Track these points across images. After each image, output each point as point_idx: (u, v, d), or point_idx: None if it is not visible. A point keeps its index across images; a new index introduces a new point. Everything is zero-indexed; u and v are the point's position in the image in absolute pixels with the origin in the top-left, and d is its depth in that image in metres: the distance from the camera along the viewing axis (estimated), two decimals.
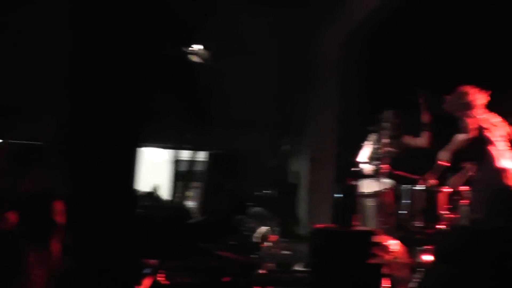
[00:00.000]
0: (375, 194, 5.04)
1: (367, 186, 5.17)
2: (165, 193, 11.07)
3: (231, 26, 8.91)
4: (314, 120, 9.13)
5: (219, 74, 7.78)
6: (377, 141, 5.67)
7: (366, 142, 5.92)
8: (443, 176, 6.24)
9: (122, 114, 2.29)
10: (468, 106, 4.70)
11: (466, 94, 4.78)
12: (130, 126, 2.32)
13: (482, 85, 4.86)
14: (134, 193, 2.57)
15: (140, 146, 2.86)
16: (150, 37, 2.43)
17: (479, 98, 4.76)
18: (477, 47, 7.85)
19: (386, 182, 5.29)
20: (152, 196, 10.07)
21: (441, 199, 4.94)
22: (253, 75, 10.33)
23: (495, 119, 4.74)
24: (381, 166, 5.11)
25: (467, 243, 0.83)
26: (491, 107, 4.85)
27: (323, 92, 9.13)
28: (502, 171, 4.42)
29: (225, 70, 8.67)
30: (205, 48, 4.91)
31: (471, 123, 4.55)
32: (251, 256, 6.14)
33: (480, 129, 4.54)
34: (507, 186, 4.38)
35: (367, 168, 5.55)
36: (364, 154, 5.76)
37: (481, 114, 4.68)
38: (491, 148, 4.50)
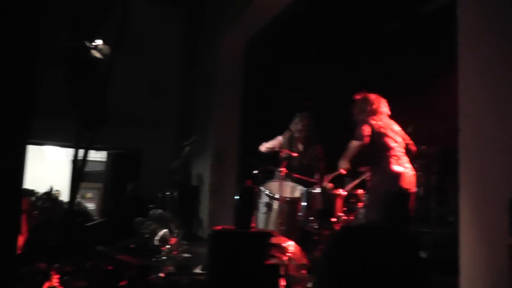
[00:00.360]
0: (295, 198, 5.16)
1: (280, 190, 5.27)
2: (63, 193, 10.61)
3: (133, 24, 8.70)
4: (217, 122, 9.16)
5: (120, 72, 7.57)
6: (278, 144, 5.79)
7: (268, 144, 6.03)
8: (340, 180, 6.52)
9: (6, 111, 2.15)
10: (370, 112, 4.84)
11: (369, 100, 4.94)
12: (16, 123, 2.17)
13: (381, 93, 5.08)
14: (20, 194, 2.41)
15: (30, 144, 2.70)
16: (37, 31, 2.30)
17: (381, 105, 4.94)
18: (378, 56, 8.38)
19: (297, 186, 5.42)
20: (49, 196, 9.59)
21: (338, 202, 5.13)
22: (155, 74, 10.22)
23: (394, 126, 4.89)
24: (281, 169, 5.21)
25: (346, 240, 0.87)
26: (391, 115, 5.07)
27: (226, 94, 9.20)
28: (397, 175, 4.54)
29: (127, 68, 8.46)
30: (105, 43, 4.75)
31: (367, 129, 4.69)
32: (151, 259, 6.02)
33: (379, 134, 4.67)
34: (402, 190, 4.52)
35: (268, 170, 5.66)
36: (266, 155, 5.86)
37: (382, 120, 4.82)
38: (388, 153, 4.61)
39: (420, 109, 7.47)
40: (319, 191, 5.04)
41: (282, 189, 5.29)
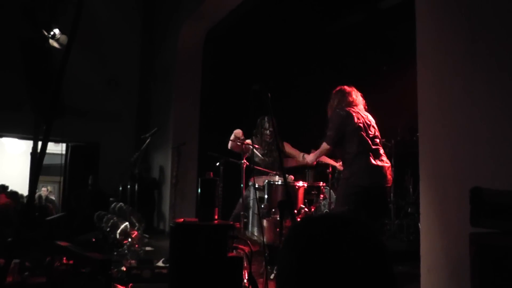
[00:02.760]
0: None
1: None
2: (22, 187, 10.36)
3: (90, 15, 8.56)
4: (177, 114, 9.14)
5: (78, 63, 7.43)
6: (240, 136, 5.78)
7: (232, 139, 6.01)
8: (303, 172, 6.59)
9: None
10: (348, 104, 4.73)
11: (346, 92, 4.82)
12: None
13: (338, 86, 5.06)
14: None
15: None
16: None
17: (358, 97, 4.83)
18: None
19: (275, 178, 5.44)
20: (5, 190, 9.37)
21: (299, 193, 5.18)
22: (114, 66, 10.09)
23: (370, 117, 4.78)
24: (243, 161, 5.22)
25: (307, 229, 0.88)
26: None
27: (186, 86, 9.18)
28: (373, 168, 4.45)
29: (84, 59, 8.32)
30: (62, 33, 4.67)
31: (338, 134, 4.59)
32: (113, 253, 5.96)
33: (356, 126, 4.54)
34: (376, 181, 4.45)
35: (229, 162, 5.66)
36: (229, 147, 5.85)
37: (359, 112, 4.71)
38: (365, 146, 4.50)
39: (378, 102, 7.63)
40: (281, 183, 5.07)
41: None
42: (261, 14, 7.99)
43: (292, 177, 5.56)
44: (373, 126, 4.69)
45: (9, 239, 5.19)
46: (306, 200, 5.19)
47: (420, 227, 3.64)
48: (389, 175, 4.57)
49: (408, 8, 4.03)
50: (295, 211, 4.96)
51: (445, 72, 3.39)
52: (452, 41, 3.35)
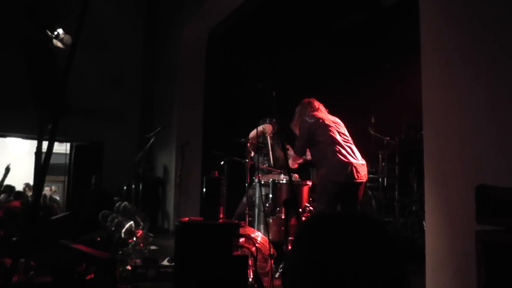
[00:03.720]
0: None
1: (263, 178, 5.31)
2: (27, 187, 10.42)
3: (94, 15, 8.58)
4: (181, 113, 9.15)
5: (82, 63, 7.45)
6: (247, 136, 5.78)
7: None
8: (306, 170, 6.59)
9: None
10: (311, 110, 4.99)
11: (305, 103, 5.09)
12: None
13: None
14: None
15: None
16: None
17: (318, 104, 5.07)
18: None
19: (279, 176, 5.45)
20: (12, 190, 9.41)
21: (304, 192, 5.19)
22: (117, 66, 10.11)
23: (336, 119, 5.00)
24: (247, 160, 5.22)
25: (317, 227, 0.88)
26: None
27: (189, 85, 9.19)
28: (342, 165, 4.60)
29: (88, 59, 8.34)
30: (66, 33, 4.68)
31: (304, 144, 4.88)
32: (117, 252, 5.97)
33: (323, 127, 4.77)
34: (350, 179, 4.59)
35: (233, 161, 5.66)
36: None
37: (324, 115, 4.96)
38: (333, 145, 4.69)
39: (382, 100, 7.62)
40: (285, 181, 5.07)
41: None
42: (264, 13, 7.98)
43: (297, 175, 5.56)
44: (342, 126, 4.94)
45: (14, 239, 5.21)
46: (311, 199, 5.19)
47: (425, 225, 3.63)
48: (363, 171, 4.73)
49: (411, 6, 4.03)
50: (300, 209, 4.97)
51: (449, 70, 3.38)
52: (456, 38, 3.34)
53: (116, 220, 6.54)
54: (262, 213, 5.04)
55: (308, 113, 4.97)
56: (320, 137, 4.76)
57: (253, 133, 5.65)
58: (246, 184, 5.21)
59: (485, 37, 3.12)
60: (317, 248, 0.94)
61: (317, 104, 5.07)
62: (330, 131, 4.76)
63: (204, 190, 3.47)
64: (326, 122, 4.81)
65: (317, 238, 0.96)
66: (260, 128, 5.51)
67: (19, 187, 10.23)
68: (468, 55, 3.23)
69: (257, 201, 5.28)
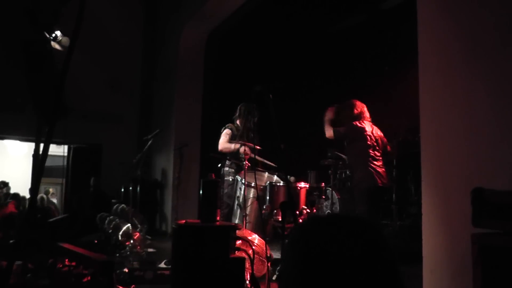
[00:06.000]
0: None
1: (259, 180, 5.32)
2: (24, 189, 10.39)
3: (92, 17, 8.57)
4: (179, 116, 9.14)
5: (80, 65, 7.44)
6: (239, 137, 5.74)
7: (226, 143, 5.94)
8: (304, 173, 6.59)
9: None
10: (356, 117, 5.46)
11: (354, 106, 5.53)
12: None
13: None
14: None
15: None
16: None
17: (364, 110, 5.55)
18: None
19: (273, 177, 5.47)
20: (16, 198, 9.41)
21: (301, 194, 5.19)
22: (115, 68, 10.10)
23: (375, 130, 5.50)
24: (245, 162, 5.21)
25: (313, 229, 0.87)
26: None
27: (188, 87, 9.18)
28: (375, 173, 5.20)
29: (86, 61, 8.33)
30: (64, 35, 4.70)
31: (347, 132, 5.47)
32: (115, 254, 5.97)
33: (362, 137, 5.32)
34: (379, 185, 5.18)
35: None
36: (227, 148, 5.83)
37: (365, 124, 5.43)
38: (368, 151, 5.27)
39: (380, 103, 7.62)
40: (283, 183, 5.08)
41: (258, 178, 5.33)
42: (263, 15, 7.99)
43: (293, 178, 5.56)
44: (377, 137, 5.46)
45: (11, 241, 5.20)
46: (308, 201, 5.20)
47: (422, 227, 3.63)
48: (385, 178, 5.41)
49: (410, 9, 4.03)
50: (297, 212, 4.97)
51: (446, 73, 3.39)
52: (453, 42, 3.34)
53: (114, 222, 6.54)
54: (238, 207, 5.11)
55: (353, 119, 5.48)
56: (358, 143, 5.37)
57: (225, 145, 5.72)
58: (240, 184, 5.20)
59: (483, 41, 3.12)
60: (312, 250, 0.94)
61: (362, 110, 5.56)
62: (367, 140, 5.34)
63: (201, 192, 3.47)
64: (365, 133, 5.37)
65: (312, 240, 0.96)
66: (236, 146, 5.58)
67: (17, 189, 10.22)
68: (465, 58, 3.24)
69: (238, 193, 5.27)
